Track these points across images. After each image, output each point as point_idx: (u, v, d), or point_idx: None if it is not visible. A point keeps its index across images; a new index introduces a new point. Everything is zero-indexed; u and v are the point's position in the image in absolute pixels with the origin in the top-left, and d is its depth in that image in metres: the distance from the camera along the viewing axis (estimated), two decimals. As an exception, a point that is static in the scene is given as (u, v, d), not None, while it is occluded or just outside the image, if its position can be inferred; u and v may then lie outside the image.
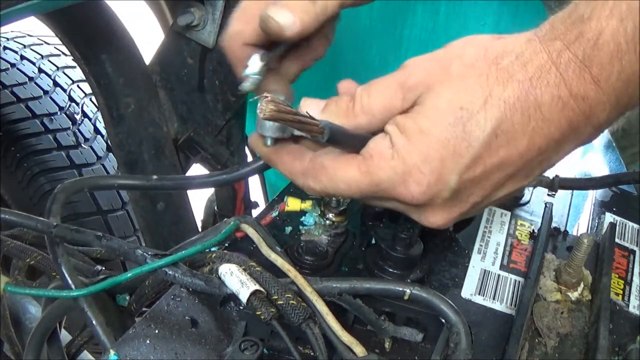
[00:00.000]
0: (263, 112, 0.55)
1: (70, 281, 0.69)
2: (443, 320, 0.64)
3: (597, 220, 0.99)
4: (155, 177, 0.81)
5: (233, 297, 0.65)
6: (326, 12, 0.68)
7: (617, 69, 0.53)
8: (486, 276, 0.82)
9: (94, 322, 0.67)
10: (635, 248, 0.93)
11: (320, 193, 0.64)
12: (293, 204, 0.80)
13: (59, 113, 1.90)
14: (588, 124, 0.56)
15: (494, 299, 0.80)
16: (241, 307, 0.68)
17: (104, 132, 1.94)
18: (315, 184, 0.63)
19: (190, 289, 0.70)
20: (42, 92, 1.91)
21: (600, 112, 0.55)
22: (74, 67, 2.01)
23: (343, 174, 0.61)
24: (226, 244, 0.77)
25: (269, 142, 0.64)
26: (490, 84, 0.56)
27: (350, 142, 0.61)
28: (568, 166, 1.11)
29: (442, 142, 0.56)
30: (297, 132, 0.63)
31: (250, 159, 1.85)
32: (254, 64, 0.68)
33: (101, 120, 1.77)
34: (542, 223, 0.89)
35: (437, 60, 0.59)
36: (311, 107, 0.62)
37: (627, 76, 0.53)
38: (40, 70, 1.97)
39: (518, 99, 0.55)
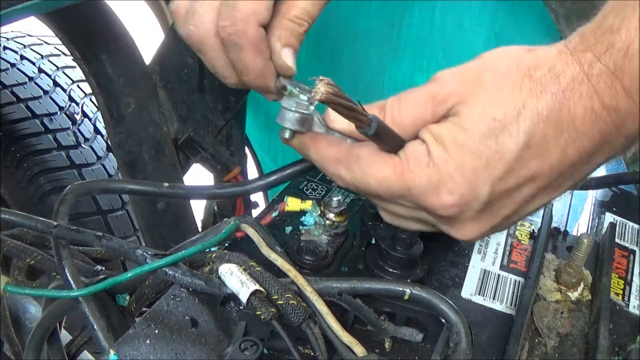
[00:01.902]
0: (318, 93, 0.54)
1: (73, 283, 0.68)
2: (443, 320, 0.64)
3: (597, 220, 0.99)
4: (166, 184, 0.80)
5: (233, 297, 0.65)
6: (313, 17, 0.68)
7: None
8: (486, 276, 0.82)
9: (95, 326, 0.67)
10: (635, 248, 0.93)
11: (349, 184, 0.63)
12: (293, 204, 0.80)
13: (59, 113, 1.90)
14: (619, 135, 0.56)
15: (494, 299, 0.80)
16: (241, 307, 0.68)
17: (104, 132, 1.94)
18: (347, 174, 0.63)
19: (190, 289, 0.70)
20: (42, 92, 1.91)
21: (632, 123, 0.55)
22: (74, 67, 2.01)
23: (377, 170, 0.60)
24: (226, 244, 0.77)
25: (287, 134, 0.63)
26: (523, 96, 0.56)
27: (390, 140, 0.60)
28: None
29: (475, 153, 0.57)
30: (317, 130, 0.62)
31: (250, 158, 1.85)
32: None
33: (101, 120, 1.77)
34: (542, 223, 0.89)
35: (468, 71, 0.59)
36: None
37: None
38: (40, 70, 1.97)
39: (552, 111, 0.55)
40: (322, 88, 0.54)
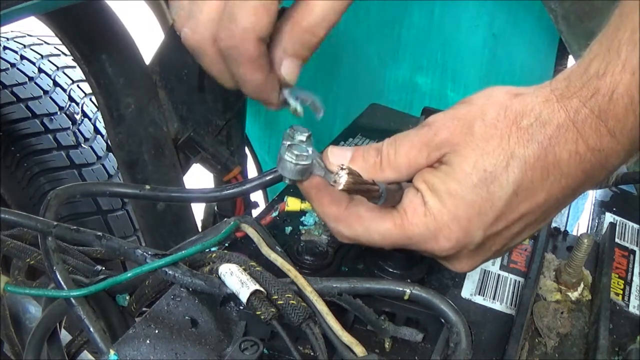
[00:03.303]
0: (340, 184, 0.57)
1: (65, 287, 0.68)
2: (443, 320, 0.64)
3: (597, 220, 0.99)
4: (147, 187, 0.80)
5: (233, 297, 0.65)
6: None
7: (631, 120, 0.55)
8: (486, 276, 0.82)
9: (91, 328, 0.66)
10: (635, 248, 0.93)
11: (349, 240, 0.67)
12: (293, 204, 0.80)
13: (59, 113, 1.90)
14: (603, 170, 0.59)
15: (494, 299, 0.80)
16: (241, 307, 0.68)
17: (104, 132, 1.94)
18: (347, 231, 0.66)
19: (190, 289, 0.70)
20: (42, 92, 1.91)
21: (615, 159, 0.58)
22: (74, 67, 2.00)
23: (378, 225, 0.64)
24: (226, 244, 0.77)
25: (287, 182, 0.66)
26: (511, 145, 0.59)
27: (391, 200, 0.64)
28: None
29: (468, 203, 0.60)
30: (317, 173, 0.65)
31: (250, 158, 1.85)
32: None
33: (101, 120, 1.77)
34: (542, 223, 0.89)
35: (459, 119, 0.62)
36: (338, 157, 0.65)
37: None
38: (40, 70, 1.97)
39: (538, 158, 0.58)
40: (343, 179, 0.57)
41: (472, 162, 0.60)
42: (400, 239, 0.64)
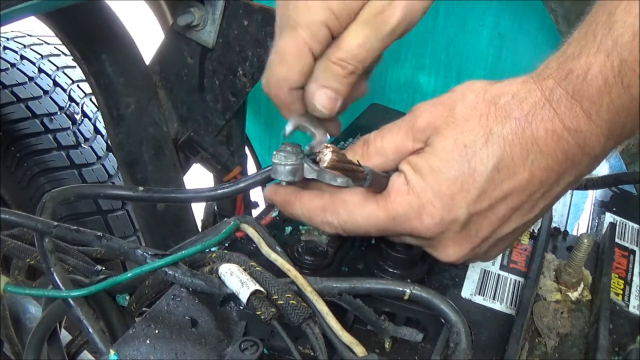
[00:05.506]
0: (325, 161, 0.58)
1: (63, 288, 0.68)
2: (443, 320, 0.64)
3: (597, 220, 0.99)
4: (141, 188, 0.80)
5: (233, 297, 0.65)
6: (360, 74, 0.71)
7: (606, 102, 0.56)
8: (486, 276, 0.82)
9: (90, 329, 0.67)
10: (635, 248, 0.93)
11: (337, 228, 0.67)
12: (293, 204, 0.80)
13: (59, 113, 1.90)
14: (584, 154, 0.60)
15: (494, 299, 0.80)
16: (241, 307, 0.68)
17: (104, 132, 1.94)
18: (334, 219, 0.67)
19: (190, 289, 0.70)
20: (42, 92, 1.91)
21: (595, 143, 0.59)
22: (74, 67, 2.00)
23: (362, 208, 0.65)
24: (226, 244, 0.77)
25: (283, 184, 0.70)
26: (490, 123, 0.60)
27: (378, 184, 0.64)
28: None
29: (451, 179, 0.61)
30: (309, 176, 0.68)
31: (250, 159, 1.85)
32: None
33: (101, 120, 1.77)
34: (542, 223, 0.89)
35: (441, 104, 0.63)
36: None
37: (616, 108, 0.56)
38: (40, 70, 1.97)
39: (516, 135, 0.59)
40: (328, 156, 0.58)
41: (452, 140, 0.61)
42: (384, 220, 0.64)
